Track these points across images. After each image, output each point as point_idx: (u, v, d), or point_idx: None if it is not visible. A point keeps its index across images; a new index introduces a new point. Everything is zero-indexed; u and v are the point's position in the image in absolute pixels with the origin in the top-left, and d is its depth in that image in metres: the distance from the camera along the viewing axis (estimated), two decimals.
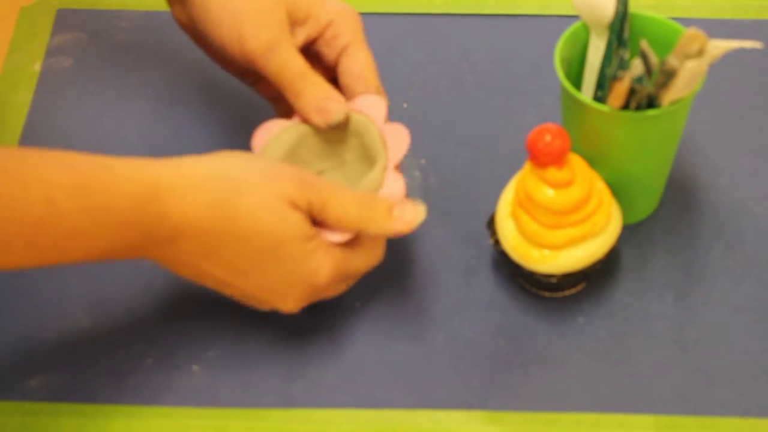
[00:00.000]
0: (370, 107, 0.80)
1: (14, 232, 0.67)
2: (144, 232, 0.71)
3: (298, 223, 0.73)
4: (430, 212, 0.85)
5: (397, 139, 0.79)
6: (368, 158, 0.80)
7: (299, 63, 0.78)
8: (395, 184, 0.78)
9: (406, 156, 0.79)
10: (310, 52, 0.81)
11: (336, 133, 0.81)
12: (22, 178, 0.67)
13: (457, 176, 0.88)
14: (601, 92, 0.79)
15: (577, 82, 0.81)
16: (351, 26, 0.80)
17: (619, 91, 0.75)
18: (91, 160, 0.71)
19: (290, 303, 0.76)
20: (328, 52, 0.80)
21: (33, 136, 0.91)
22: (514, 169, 0.82)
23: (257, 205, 0.73)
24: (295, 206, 0.73)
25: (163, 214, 0.71)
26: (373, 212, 0.75)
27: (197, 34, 0.83)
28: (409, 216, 0.76)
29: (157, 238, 0.72)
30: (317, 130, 0.80)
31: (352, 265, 0.77)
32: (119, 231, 0.70)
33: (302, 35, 0.80)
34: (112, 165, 0.71)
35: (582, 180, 0.77)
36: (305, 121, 0.80)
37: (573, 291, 0.82)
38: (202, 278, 0.75)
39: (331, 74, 0.81)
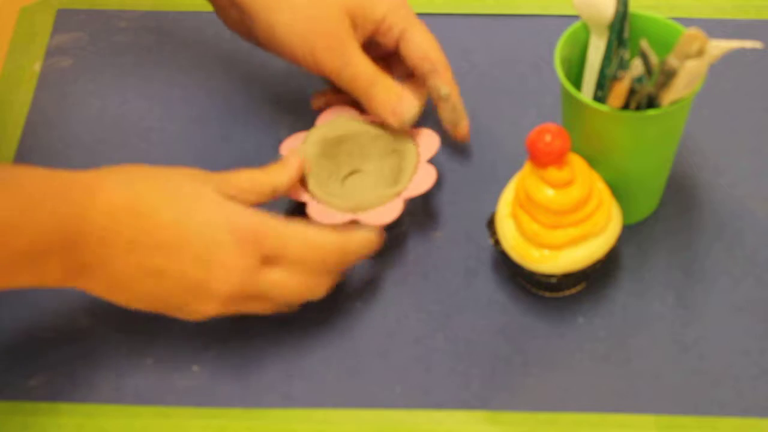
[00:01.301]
0: (424, 141, 0.84)
1: None
2: (74, 223, 0.71)
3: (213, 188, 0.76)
4: (430, 212, 0.85)
5: (427, 140, 0.84)
6: (395, 153, 0.84)
7: (370, 70, 0.81)
8: (427, 174, 0.82)
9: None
10: (367, 42, 0.84)
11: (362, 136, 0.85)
12: None
13: (457, 176, 0.88)
14: (601, 92, 0.79)
15: (577, 82, 0.81)
16: (402, 14, 0.82)
17: (619, 91, 0.75)
18: (15, 164, 0.73)
19: (225, 271, 0.73)
20: (386, 42, 0.84)
21: (33, 136, 0.91)
22: (514, 169, 0.82)
23: (179, 175, 0.76)
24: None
25: (90, 201, 0.72)
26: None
27: (251, 36, 0.85)
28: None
29: (89, 228, 0.71)
30: (331, 132, 0.84)
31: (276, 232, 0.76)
32: (48, 222, 0.70)
33: (360, 35, 0.82)
34: (34, 166, 0.73)
35: (582, 180, 0.77)
36: (376, 121, 0.84)
37: (573, 291, 0.82)
38: (137, 281, 0.74)
39: (391, 57, 0.85)
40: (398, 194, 0.81)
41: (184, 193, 0.75)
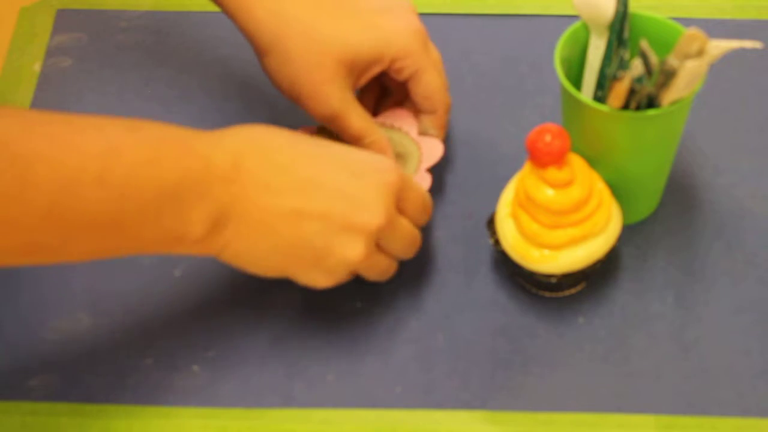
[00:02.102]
0: (427, 144, 0.84)
1: (78, 164, 0.67)
2: (204, 159, 0.71)
3: None
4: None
5: (430, 148, 0.84)
6: (398, 157, 0.84)
7: (355, 125, 0.82)
8: (423, 182, 0.82)
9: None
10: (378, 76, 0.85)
11: None
12: (73, 122, 0.69)
13: (457, 176, 0.88)
14: (601, 92, 0.79)
15: (577, 82, 0.81)
16: (414, 59, 0.82)
17: (619, 91, 0.75)
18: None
19: (373, 210, 0.73)
20: (396, 78, 0.84)
21: None
22: (514, 169, 0.82)
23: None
24: None
25: (216, 140, 0.72)
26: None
27: None
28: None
29: (218, 164, 0.71)
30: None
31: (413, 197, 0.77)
32: (179, 159, 0.70)
33: (367, 77, 0.83)
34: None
35: (582, 180, 0.77)
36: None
37: (573, 291, 0.82)
38: (275, 226, 0.72)
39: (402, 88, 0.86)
40: (417, 167, 0.82)
41: (314, 140, 0.75)
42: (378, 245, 0.75)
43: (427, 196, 0.79)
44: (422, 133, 0.85)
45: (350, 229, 0.73)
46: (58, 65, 0.96)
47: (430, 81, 0.83)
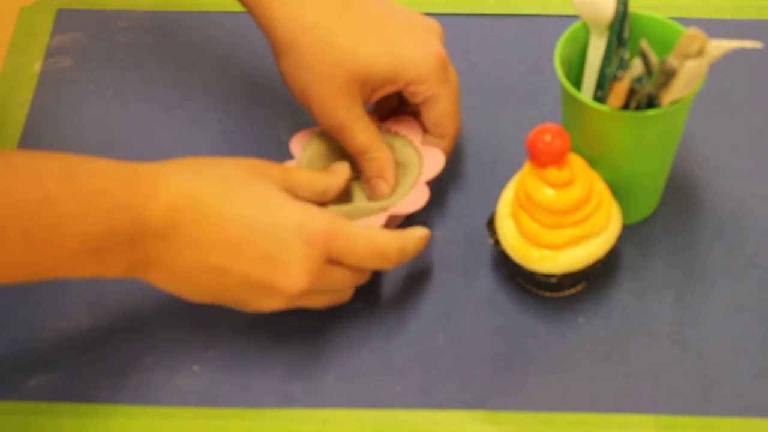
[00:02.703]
0: (428, 156, 0.84)
1: (8, 215, 0.68)
2: (136, 214, 0.71)
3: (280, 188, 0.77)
4: (430, 212, 0.85)
5: (432, 159, 0.83)
6: (400, 166, 0.84)
7: (359, 140, 0.82)
8: (420, 196, 0.82)
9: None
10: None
11: None
12: (10, 166, 0.69)
13: (457, 176, 0.88)
14: (601, 92, 0.79)
15: (577, 82, 0.81)
16: (429, 84, 0.82)
17: (619, 91, 0.75)
18: (74, 154, 0.73)
19: (291, 270, 0.73)
20: (409, 100, 0.84)
21: (33, 136, 0.91)
22: (514, 169, 0.82)
23: (240, 168, 0.76)
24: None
25: (152, 193, 0.72)
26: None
27: None
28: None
29: (151, 220, 0.71)
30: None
31: (341, 245, 0.76)
32: (111, 213, 0.71)
33: (380, 95, 0.83)
34: (95, 157, 0.73)
35: (582, 180, 0.77)
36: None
37: (573, 291, 0.82)
38: (199, 277, 0.74)
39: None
40: (385, 209, 0.81)
41: (249, 190, 0.75)
42: (312, 292, 0.76)
43: (381, 241, 0.77)
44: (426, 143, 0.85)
45: (269, 290, 0.74)
46: (58, 65, 0.96)
47: (442, 109, 0.83)
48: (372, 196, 0.83)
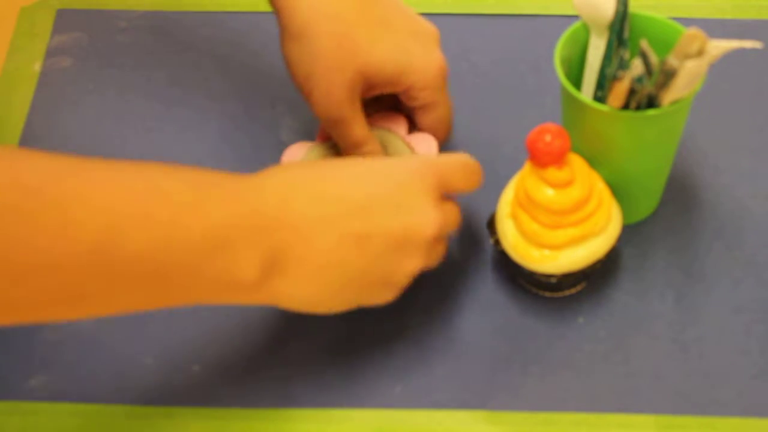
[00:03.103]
0: (423, 145, 0.84)
1: (124, 208, 0.64)
2: (248, 202, 0.68)
3: None
4: None
5: (425, 146, 0.83)
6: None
7: (357, 133, 0.81)
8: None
9: None
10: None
11: None
12: (117, 166, 0.66)
13: None
14: (601, 92, 0.79)
15: (577, 82, 0.81)
16: (429, 91, 0.82)
17: (619, 91, 0.75)
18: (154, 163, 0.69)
19: (426, 212, 0.72)
20: (406, 102, 0.84)
21: (33, 136, 0.91)
22: (514, 169, 0.82)
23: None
24: None
25: (261, 184, 0.69)
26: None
27: None
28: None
29: (265, 207, 0.68)
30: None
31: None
32: (224, 203, 0.67)
33: (376, 93, 0.82)
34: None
35: (582, 180, 0.77)
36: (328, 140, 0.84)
37: (573, 291, 0.82)
38: (339, 255, 0.70)
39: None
40: None
41: (344, 160, 0.75)
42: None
43: (467, 161, 0.77)
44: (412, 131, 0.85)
45: (410, 243, 0.73)
46: (58, 65, 0.96)
47: (438, 117, 0.83)
48: None
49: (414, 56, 0.81)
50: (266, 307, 0.81)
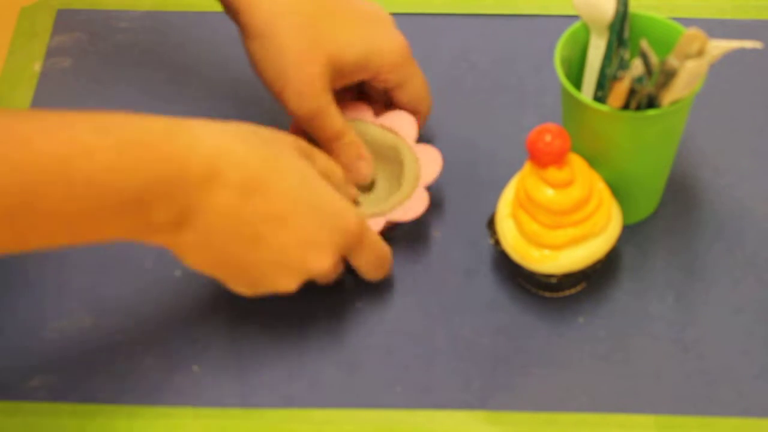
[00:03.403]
0: (401, 123, 0.84)
1: (49, 169, 0.65)
2: (176, 163, 0.69)
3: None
4: (430, 212, 0.85)
5: (429, 161, 0.83)
6: (397, 178, 0.84)
7: (336, 125, 0.82)
8: (419, 203, 0.81)
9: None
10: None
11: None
12: (44, 121, 0.67)
13: (457, 176, 0.88)
14: (601, 92, 0.79)
15: (577, 82, 0.81)
16: (398, 71, 0.83)
17: (619, 91, 0.75)
18: (105, 111, 0.70)
19: (323, 254, 0.74)
20: (379, 87, 0.84)
21: None
22: (514, 169, 0.82)
23: (286, 145, 0.75)
24: None
25: (195, 142, 0.70)
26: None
27: None
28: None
29: (192, 172, 0.70)
30: None
31: (371, 238, 0.77)
32: (150, 164, 0.68)
33: (346, 82, 0.83)
34: (127, 113, 0.71)
35: (582, 180, 0.77)
36: None
37: (573, 291, 0.82)
38: (234, 245, 0.72)
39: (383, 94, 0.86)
40: (383, 215, 0.81)
41: (296, 169, 0.74)
42: None
43: (384, 253, 0.79)
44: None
45: (298, 269, 0.74)
46: (58, 65, 0.96)
47: (414, 91, 0.84)
48: (356, 179, 0.83)
49: (376, 39, 0.82)
50: (266, 307, 0.81)
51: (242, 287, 0.76)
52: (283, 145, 0.75)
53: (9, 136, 0.66)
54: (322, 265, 0.74)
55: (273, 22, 0.80)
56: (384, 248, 0.79)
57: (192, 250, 0.73)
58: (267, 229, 0.73)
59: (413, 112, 0.85)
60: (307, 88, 0.80)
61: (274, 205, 0.72)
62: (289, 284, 0.75)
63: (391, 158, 0.84)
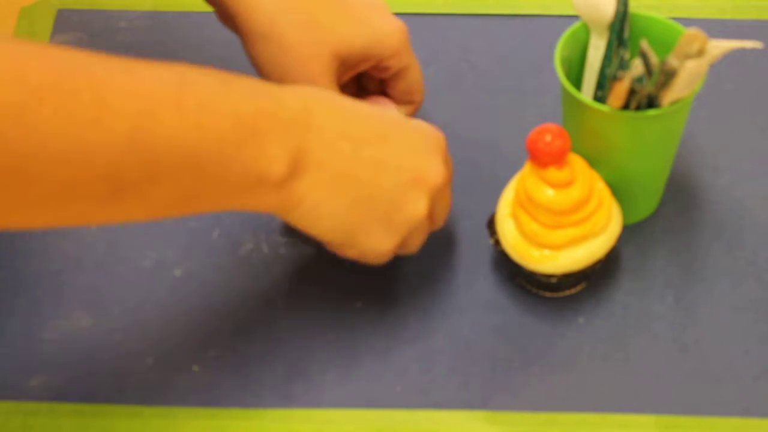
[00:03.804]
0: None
1: (156, 92, 0.64)
2: (277, 100, 0.69)
3: None
4: None
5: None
6: None
7: None
8: None
9: None
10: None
11: None
12: (136, 61, 0.67)
13: (456, 176, 0.88)
14: (601, 92, 0.79)
15: (577, 82, 0.81)
16: (399, 57, 0.83)
17: (619, 91, 0.75)
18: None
19: (434, 160, 0.75)
20: (378, 75, 0.85)
21: None
22: (514, 169, 0.82)
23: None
24: None
25: (282, 88, 0.71)
26: None
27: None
28: None
29: (289, 107, 0.70)
30: None
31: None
32: (252, 93, 0.68)
33: (351, 73, 0.83)
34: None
35: (582, 180, 0.77)
36: None
37: (573, 291, 0.82)
38: (355, 172, 0.72)
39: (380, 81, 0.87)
40: None
41: (372, 107, 0.76)
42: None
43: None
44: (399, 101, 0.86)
45: (419, 183, 0.74)
46: None
47: (412, 80, 0.84)
48: None
49: (376, 27, 0.82)
50: (266, 307, 0.81)
51: (378, 233, 0.74)
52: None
53: (112, 63, 0.65)
54: (439, 172, 0.75)
55: (274, 23, 0.80)
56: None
57: (317, 199, 0.71)
58: (380, 150, 0.73)
59: (407, 102, 0.85)
60: (314, 83, 0.80)
61: (373, 125, 0.73)
62: (420, 204, 0.74)
63: None
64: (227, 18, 0.82)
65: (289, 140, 0.69)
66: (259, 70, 0.81)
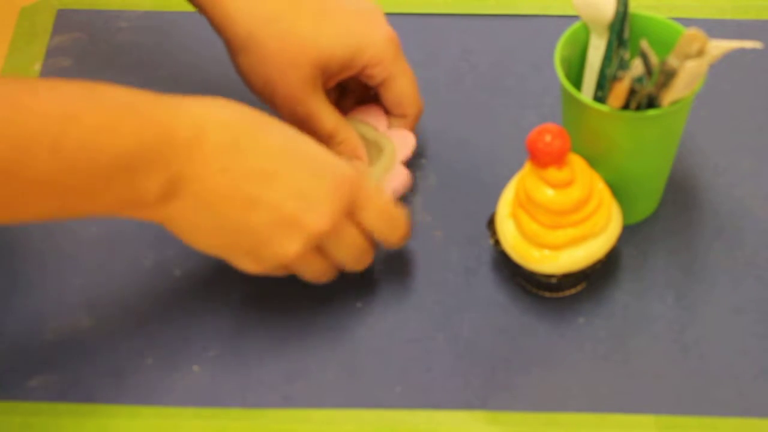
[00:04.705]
0: (396, 137, 0.85)
1: (36, 130, 0.66)
2: (164, 127, 0.70)
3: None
4: (430, 212, 0.85)
5: (402, 140, 0.85)
6: (373, 149, 0.85)
7: (329, 124, 0.83)
8: (399, 177, 0.83)
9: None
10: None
11: None
12: (33, 85, 0.69)
13: (457, 176, 0.88)
14: (601, 92, 0.79)
15: (577, 82, 0.81)
16: (384, 65, 0.83)
17: (619, 91, 0.75)
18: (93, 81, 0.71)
19: (321, 208, 0.73)
20: (367, 82, 0.85)
21: None
22: (514, 169, 0.82)
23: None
24: None
25: (181, 108, 0.71)
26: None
27: None
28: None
29: (179, 136, 0.70)
30: None
31: (371, 197, 0.76)
32: (139, 127, 0.69)
33: (336, 80, 0.83)
34: (113, 84, 0.71)
35: (582, 180, 0.77)
36: None
37: (573, 291, 0.82)
38: (227, 208, 0.72)
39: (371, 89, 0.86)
40: (392, 161, 0.83)
41: (283, 127, 0.74)
42: (320, 249, 0.75)
43: (395, 209, 0.77)
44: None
45: (293, 227, 0.73)
46: (58, 65, 0.96)
47: (400, 88, 0.84)
48: None
49: (361, 35, 0.82)
50: (266, 307, 0.81)
51: (246, 260, 0.75)
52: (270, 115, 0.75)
53: (20, 89, 0.66)
54: (321, 220, 0.73)
55: (253, 34, 0.80)
56: (392, 204, 0.77)
57: (187, 222, 0.72)
58: (259, 188, 0.72)
59: (400, 114, 0.85)
60: (297, 93, 0.81)
61: (263, 161, 0.72)
62: (290, 246, 0.73)
63: (373, 155, 0.85)
64: (214, 27, 0.83)
65: (165, 171, 0.70)
66: (242, 78, 0.83)
